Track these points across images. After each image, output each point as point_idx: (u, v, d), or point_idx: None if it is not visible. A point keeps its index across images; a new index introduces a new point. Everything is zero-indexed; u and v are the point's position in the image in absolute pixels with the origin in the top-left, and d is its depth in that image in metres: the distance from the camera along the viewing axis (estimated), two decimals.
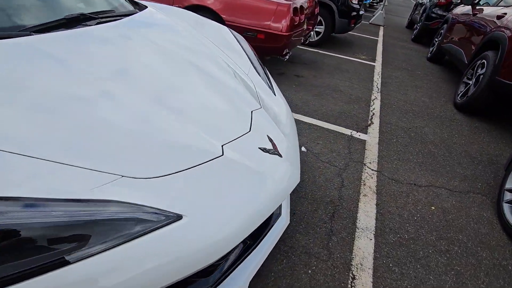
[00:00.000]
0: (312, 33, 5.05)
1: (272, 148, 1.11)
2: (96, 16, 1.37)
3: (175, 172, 0.81)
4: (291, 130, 1.35)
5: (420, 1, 8.42)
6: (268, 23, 2.92)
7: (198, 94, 1.16)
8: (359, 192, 1.87)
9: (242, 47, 1.71)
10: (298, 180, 1.16)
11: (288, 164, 1.11)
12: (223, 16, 2.99)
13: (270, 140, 1.14)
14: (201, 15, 3.09)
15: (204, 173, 0.86)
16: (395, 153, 2.38)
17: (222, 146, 0.98)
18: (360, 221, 1.65)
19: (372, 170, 2.12)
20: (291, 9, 2.91)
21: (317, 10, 3.94)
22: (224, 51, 1.59)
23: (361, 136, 2.55)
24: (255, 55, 1.73)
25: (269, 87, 1.52)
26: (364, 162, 2.18)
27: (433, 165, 2.30)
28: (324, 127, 2.59)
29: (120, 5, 1.63)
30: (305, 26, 3.55)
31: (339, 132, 2.55)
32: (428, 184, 2.07)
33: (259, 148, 1.07)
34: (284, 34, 2.93)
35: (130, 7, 1.66)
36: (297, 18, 3.06)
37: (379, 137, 2.58)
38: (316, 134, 2.45)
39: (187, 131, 0.95)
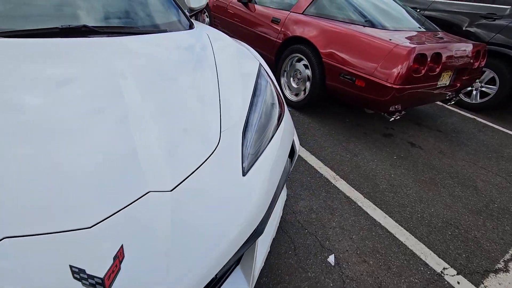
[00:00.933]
0: (473, 92, 3.62)
1: (100, 276, 0.60)
2: (102, 30, 1.26)
3: None
4: (226, 245, 0.76)
5: None
6: (374, 66, 2.17)
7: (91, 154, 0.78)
8: None
9: (255, 91, 1.21)
10: None
11: None
12: (321, 51, 2.47)
13: (118, 257, 0.63)
14: (300, 48, 2.71)
15: None
16: None
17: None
18: None
19: None
20: (413, 55, 2.04)
21: (479, 63, 2.70)
22: (223, 94, 1.14)
23: (463, 284, 1.40)
24: (262, 104, 1.18)
25: (242, 162, 0.95)
26: None
27: None
28: (398, 238, 1.60)
29: (156, 20, 1.51)
30: (446, 81, 2.48)
31: (419, 257, 1.50)
32: None
33: (70, 266, 0.60)
34: (394, 86, 2.09)
35: (168, 26, 1.50)
36: (422, 68, 2.13)
37: None
38: (373, 244, 1.53)
39: None
